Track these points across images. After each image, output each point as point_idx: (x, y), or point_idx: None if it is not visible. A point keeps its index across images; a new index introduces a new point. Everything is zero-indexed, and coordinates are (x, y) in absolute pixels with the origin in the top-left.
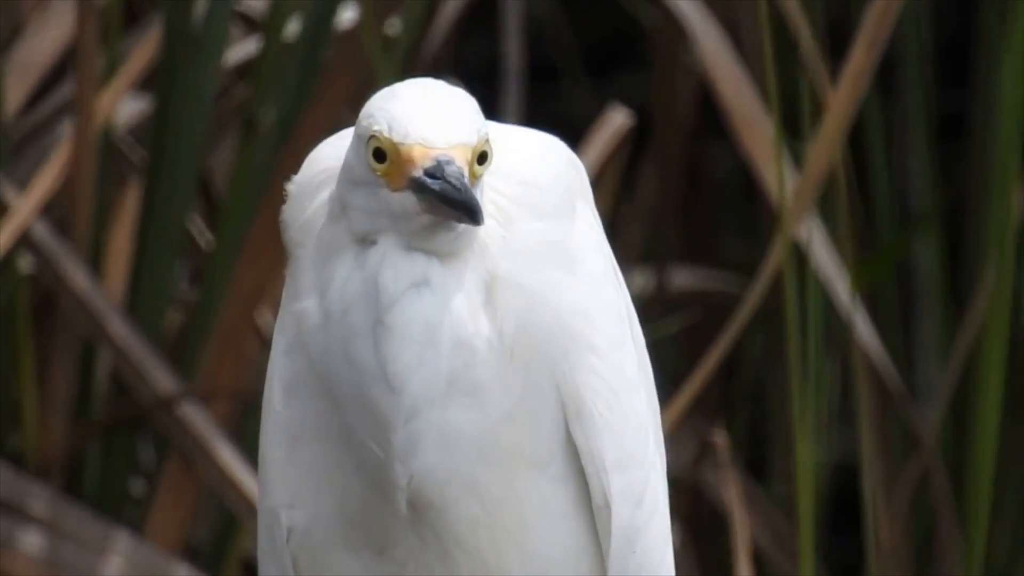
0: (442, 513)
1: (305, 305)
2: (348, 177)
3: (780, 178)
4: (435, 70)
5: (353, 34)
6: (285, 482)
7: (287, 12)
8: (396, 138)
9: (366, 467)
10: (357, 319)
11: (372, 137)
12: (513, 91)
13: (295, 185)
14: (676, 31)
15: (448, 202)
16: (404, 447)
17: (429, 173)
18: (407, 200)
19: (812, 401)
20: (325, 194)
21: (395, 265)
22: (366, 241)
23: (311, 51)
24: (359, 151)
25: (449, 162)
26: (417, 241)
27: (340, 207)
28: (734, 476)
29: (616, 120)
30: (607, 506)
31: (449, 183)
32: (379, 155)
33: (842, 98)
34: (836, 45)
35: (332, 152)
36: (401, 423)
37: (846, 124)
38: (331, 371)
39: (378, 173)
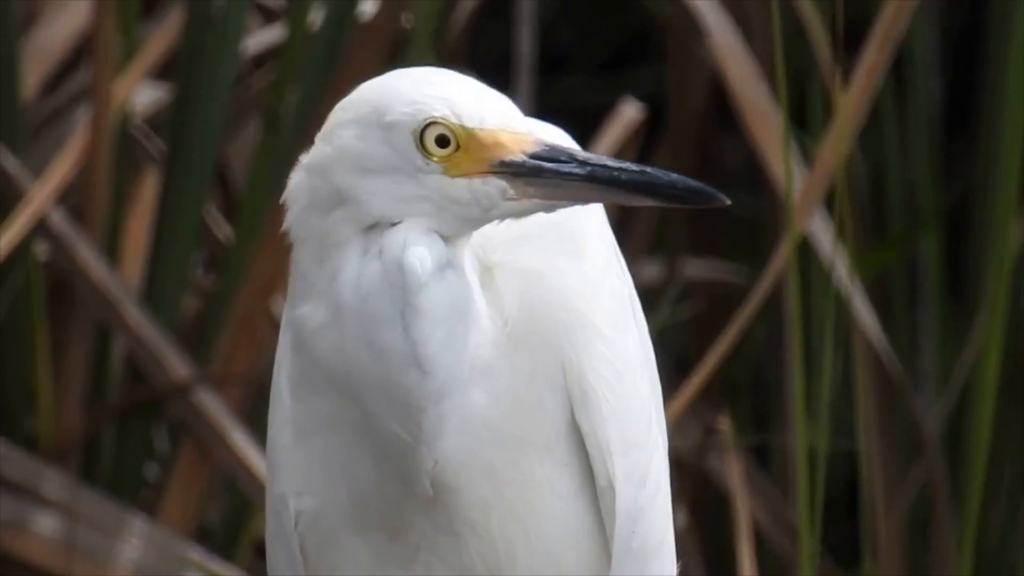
0: (457, 496)
1: (301, 311)
2: (355, 166)
3: (788, 173)
4: (450, 62)
5: (373, 25)
6: (293, 470)
7: (309, 2)
8: (470, 124)
9: (387, 454)
10: (381, 306)
11: (431, 124)
12: (525, 83)
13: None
14: (689, 25)
15: (633, 185)
16: (432, 430)
17: (543, 157)
18: (490, 185)
19: (817, 389)
20: (303, 194)
21: (419, 248)
22: (374, 227)
23: (332, 41)
24: (381, 138)
25: (559, 146)
26: (447, 226)
27: (335, 196)
28: (737, 461)
29: (628, 112)
30: (611, 487)
31: (604, 164)
32: (442, 141)
33: (854, 96)
34: (849, 40)
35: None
36: (432, 405)
37: (858, 121)
38: (348, 365)
39: (435, 159)
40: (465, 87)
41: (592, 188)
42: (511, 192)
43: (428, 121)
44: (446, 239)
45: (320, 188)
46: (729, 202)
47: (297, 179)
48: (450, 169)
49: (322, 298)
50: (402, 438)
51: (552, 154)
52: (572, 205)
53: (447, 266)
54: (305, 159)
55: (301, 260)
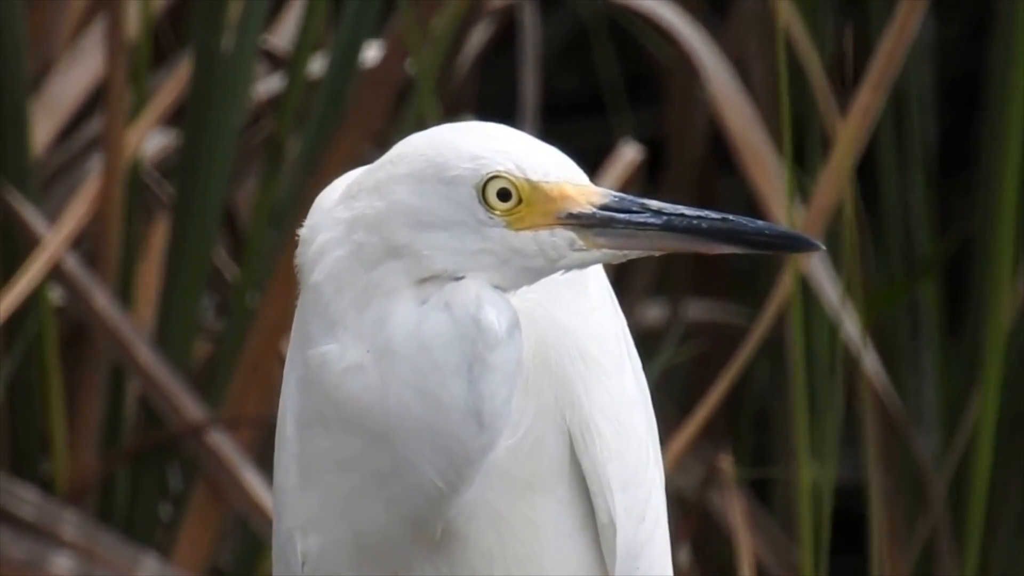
0: (463, 543)
1: (324, 349)
2: (412, 221)
3: (790, 214)
4: (455, 106)
5: (377, 72)
6: (299, 509)
7: (312, 49)
8: (535, 177)
9: (406, 499)
10: (447, 357)
11: (494, 178)
12: (528, 126)
13: (308, 230)
14: (688, 68)
15: (715, 233)
16: (470, 481)
17: (613, 207)
18: (558, 236)
19: (821, 426)
20: (341, 245)
21: (496, 305)
22: (429, 281)
23: (336, 87)
24: (441, 193)
25: (629, 196)
26: (509, 279)
27: (388, 250)
28: (739, 499)
29: (628, 155)
30: (612, 524)
31: (681, 213)
32: (503, 195)
33: (849, 133)
34: (844, 83)
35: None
36: (480, 457)
37: (853, 159)
38: (387, 407)
39: (497, 212)
40: (522, 140)
41: (670, 237)
42: (579, 243)
43: (491, 175)
44: (504, 292)
45: (369, 242)
46: (823, 247)
47: (333, 233)
48: (514, 223)
49: (358, 340)
50: (434, 485)
51: (622, 204)
52: (645, 254)
53: (516, 326)
54: (347, 213)
55: (332, 304)
